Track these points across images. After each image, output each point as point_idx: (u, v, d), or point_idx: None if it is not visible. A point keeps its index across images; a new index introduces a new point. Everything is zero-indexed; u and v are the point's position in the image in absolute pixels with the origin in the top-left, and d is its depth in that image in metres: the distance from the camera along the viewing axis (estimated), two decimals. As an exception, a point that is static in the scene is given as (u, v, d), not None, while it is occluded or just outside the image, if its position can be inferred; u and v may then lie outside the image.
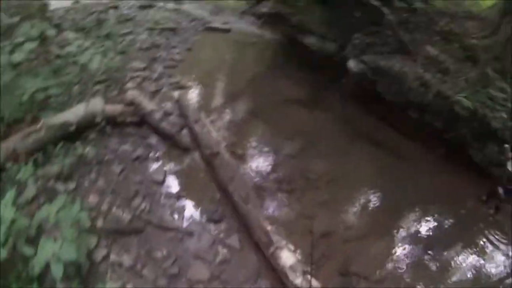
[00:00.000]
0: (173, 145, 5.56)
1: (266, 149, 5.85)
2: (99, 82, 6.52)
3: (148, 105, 5.87)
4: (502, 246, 4.94)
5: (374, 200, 5.35)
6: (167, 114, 6.16)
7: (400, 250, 4.56)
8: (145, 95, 6.36)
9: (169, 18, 10.03)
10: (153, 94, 6.76)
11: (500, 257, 4.77)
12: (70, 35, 6.95)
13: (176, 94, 6.75)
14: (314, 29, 7.78)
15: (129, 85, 6.82)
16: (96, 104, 5.36)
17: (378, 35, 7.10)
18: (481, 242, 4.94)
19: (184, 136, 5.71)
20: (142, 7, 10.62)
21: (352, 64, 6.94)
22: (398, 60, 6.73)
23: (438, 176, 5.98)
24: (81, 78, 6.19)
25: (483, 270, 4.56)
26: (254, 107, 6.96)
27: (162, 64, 7.70)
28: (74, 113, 5.13)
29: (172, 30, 9.26)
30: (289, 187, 5.09)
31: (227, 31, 9.52)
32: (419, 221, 5.13)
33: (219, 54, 8.59)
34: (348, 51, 7.26)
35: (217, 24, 9.80)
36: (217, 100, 6.93)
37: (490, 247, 4.88)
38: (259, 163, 5.57)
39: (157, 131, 5.66)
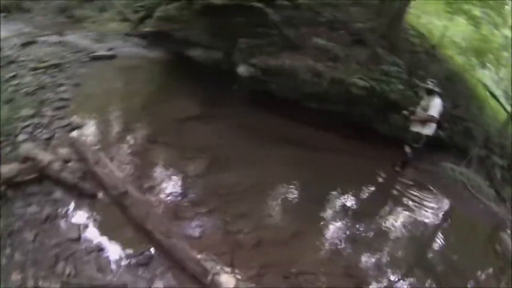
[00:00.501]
0: (80, 195, 4.93)
1: (174, 174, 5.35)
2: None
3: (45, 156, 5.15)
4: (425, 202, 5.74)
5: (296, 196, 5.24)
6: (65, 161, 5.47)
7: (335, 235, 4.58)
8: (39, 145, 5.66)
9: (53, 53, 9.24)
10: (47, 142, 5.97)
11: (426, 210, 5.53)
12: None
13: (71, 137, 6.13)
14: (199, 41, 7.45)
15: (21, 137, 6.08)
16: (-11, 169, 4.65)
17: (263, 36, 6.91)
18: (406, 203, 5.56)
19: (88, 182, 5.10)
20: (25, 45, 9.76)
21: (241, 69, 6.68)
22: (287, 56, 6.65)
23: (352, 157, 6.26)
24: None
25: (416, 224, 5.14)
26: (153, 131, 6.41)
27: (51, 106, 6.94)
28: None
29: (57, 66, 8.53)
30: (207, 208, 4.68)
31: (112, 57, 9.02)
32: (344, 202, 5.27)
33: (109, 83, 7.98)
34: (235, 57, 7.00)
35: (101, 52, 9.23)
36: (114, 133, 6.30)
37: (415, 204, 5.57)
38: (170, 190, 5.08)
39: (60, 183, 5.02)
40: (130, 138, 6.19)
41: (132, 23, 10.38)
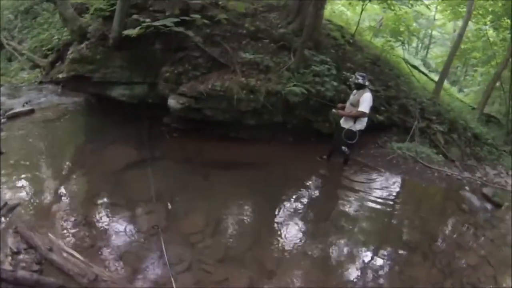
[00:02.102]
0: None
1: (134, 237, 4.57)
2: None
3: None
4: (377, 184, 6.12)
5: (244, 218, 4.95)
6: (15, 254, 4.52)
7: (298, 236, 4.57)
8: None
9: None
10: None
11: (381, 190, 5.91)
12: None
13: (11, 221, 5.08)
14: (119, 79, 6.67)
15: None
16: None
17: (186, 61, 6.34)
18: (360, 190, 5.79)
19: (50, 274, 4.22)
20: None
21: (171, 102, 6.03)
22: (216, 77, 6.11)
23: (297, 162, 6.25)
24: None
25: (375, 205, 5.40)
26: (95, 190, 5.62)
27: None
28: None
29: None
30: (186, 265, 4.07)
31: (30, 112, 7.99)
32: (298, 206, 5.23)
33: (34, 144, 6.90)
34: (161, 88, 6.38)
35: (18, 108, 8.15)
36: (53, 203, 5.36)
37: (368, 189, 5.86)
38: (138, 257, 4.33)
39: (17, 283, 4.10)
40: (72, 205, 5.27)
41: (43, 69, 9.32)
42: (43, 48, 10.14)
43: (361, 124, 5.79)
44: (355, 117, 5.71)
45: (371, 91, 5.92)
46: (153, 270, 4.03)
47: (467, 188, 6.66)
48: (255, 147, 6.48)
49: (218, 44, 6.52)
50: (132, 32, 6.11)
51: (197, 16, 6.39)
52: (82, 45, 7.05)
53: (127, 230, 4.67)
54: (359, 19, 9.76)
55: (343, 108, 5.94)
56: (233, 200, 5.28)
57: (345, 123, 5.86)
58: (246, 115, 6.19)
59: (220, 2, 7.19)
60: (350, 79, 6.22)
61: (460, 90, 14.85)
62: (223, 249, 4.31)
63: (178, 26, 6.19)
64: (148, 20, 6.28)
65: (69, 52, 7.36)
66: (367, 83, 5.80)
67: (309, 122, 6.83)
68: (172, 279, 3.77)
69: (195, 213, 4.95)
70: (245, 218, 4.94)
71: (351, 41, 8.91)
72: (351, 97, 5.91)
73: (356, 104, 5.68)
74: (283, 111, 6.47)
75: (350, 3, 10.64)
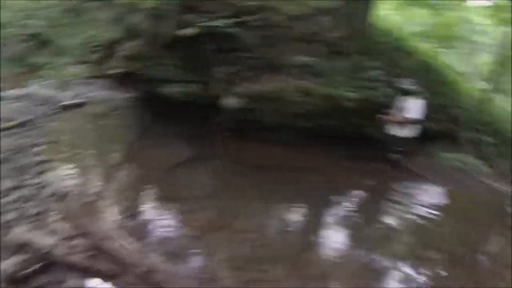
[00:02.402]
0: (97, 276, 4.11)
1: (184, 233, 4.54)
2: None
3: (44, 240, 4.24)
4: (424, 193, 5.89)
5: (296, 221, 4.97)
6: (68, 239, 4.57)
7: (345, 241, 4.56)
8: (32, 225, 4.72)
9: (18, 109, 8.21)
10: (40, 218, 5.00)
11: (428, 201, 5.62)
12: None
13: (62, 207, 5.19)
14: (171, 77, 6.71)
15: (9, 216, 5.06)
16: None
17: (239, 61, 6.30)
18: (407, 200, 5.56)
19: (102, 261, 4.25)
20: None
21: (228, 101, 6.02)
22: (269, 79, 6.07)
23: (344, 169, 6.10)
24: None
25: (422, 215, 5.14)
26: (146, 185, 5.52)
27: (32, 172, 5.90)
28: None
29: (27, 123, 7.59)
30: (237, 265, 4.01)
31: (81, 105, 8.15)
32: (336, 210, 5.19)
33: (85, 135, 7.09)
34: (214, 88, 6.37)
35: (69, 100, 8.35)
36: (105, 194, 5.43)
37: (416, 198, 5.67)
38: (189, 253, 4.28)
39: (70, 267, 4.16)
40: (127, 200, 5.32)
41: (92, 65, 9.46)
42: (90, 45, 10.31)
43: (410, 131, 5.59)
44: (403, 124, 5.54)
45: (420, 97, 5.70)
46: (205, 266, 4.01)
47: (513, 204, 6.39)
48: (306, 151, 6.38)
49: (271, 45, 6.43)
50: (187, 32, 6.12)
51: (250, 17, 6.34)
52: (135, 43, 7.12)
53: (178, 225, 4.71)
54: (407, 24, 9.47)
55: (391, 114, 5.77)
56: (285, 203, 5.22)
57: (393, 130, 5.72)
58: (299, 118, 6.10)
59: (272, 5, 7.10)
60: (399, 85, 6.01)
61: (505, 99, 14.28)
62: (277, 249, 4.27)
63: (232, 27, 6.17)
64: (201, 20, 6.30)
65: (121, 49, 7.46)
66: (416, 89, 5.60)
67: (361, 128, 6.66)
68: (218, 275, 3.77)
69: (248, 213, 4.92)
70: (297, 221, 4.92)
71: (398, 47, 8.64)
72: (400, 103, 5.71)
73: (404, 111, 5.52)
74: (336, 116, 6.32)
75: (397, 8, 10.39)
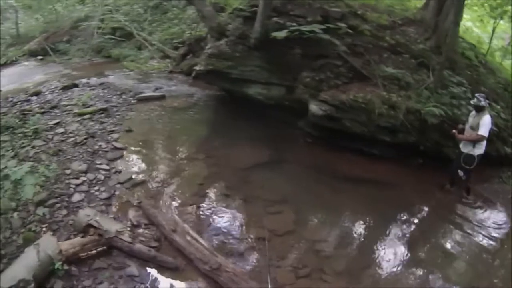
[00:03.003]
0: (159, 267, 4.22)
1: (259, 234, 4.56)
2: (40, 204, 5.12)
3: (110, 225, 4.39)
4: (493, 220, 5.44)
5: (365, 235, 4.88)
6: (135, 228, 4.78)
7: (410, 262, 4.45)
8: (99, 208, 4.95)
9: (96, 96, 8.46)
10: (108, 203, 5.22)
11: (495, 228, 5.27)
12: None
13: (135, 195, 5.39)
14: (257, 78, 6.84)
15: (76, 197, 5.33)
16: (49, 246, 3.90)
17: (327, 68, 6.27)
18: (474, 225, 5.25)
19: (167, 253, 4.39)
20: (65, 88, 9.06)
21: (314, 108, 5.98)
22: (357, 88, 5.98)
23: (417, 187, 5.88)
24: (17, 204, 4.80)
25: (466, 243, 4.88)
26: (222, 184, 5.52)
27: (105, 158, 6.17)
28: (25, 266, 3.70)
29: (104, 111, 7.93)
30: (307, 270, 4.14)
31: (161, 98, 8.37)
32: (405, 228, 5.10)
33: (162, 128, 7.25)
34: (300, 93, 6.36)
35: (148, 92, 8.55)
36: (180, 189, 5.44)
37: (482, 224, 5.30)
38: (262, 255, 4.28)
39: (133, 255, 4.34)
40: (199, 194, 5.40)
41: (174, 60, 9.81)
42: (174, 41, 10.72)
43: (481, 149, 5.36)
44: (474, 141, 5.31)
45: (490, 114, 5.44)
46: (275, 272, 4.02)
47: None
48: (384, 165, 6.19)
49: (360, 54, 6.38)
50: (280, 34, 6.18)
51: (342, 24, 6.31)
52: (221, 42, 7.31)
53: (248, 225, 4.74)
54: (491, 38, 8.99)
55: (462, 131, 5.52)
56: (356, 215, 5.18)
57: (464, 148, 5.47)
58: (383, 131, 5.97)
59: (359, 12, 7.03)
60: (471, 101, 5.67)
61: None
62: (343, 262, 4.27)
63: (322, 33, 6.15)
64: (292, 24, 6.34)
65: (207, 47, 7.67)
66: (486, 105, 5.34)
67: (441, 146, 6.37)
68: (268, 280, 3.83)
69: (320, 222, 4.93)
70: (365, 235, 4.84)
71: (483, 62, 8.23)
72: (470, 119, 5.45)
73: (476, 127, 5.27)
74: (418, 132, 6.13)
75: (481, 19, 9.86)
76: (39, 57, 12.86)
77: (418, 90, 6.18)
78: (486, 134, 5.25)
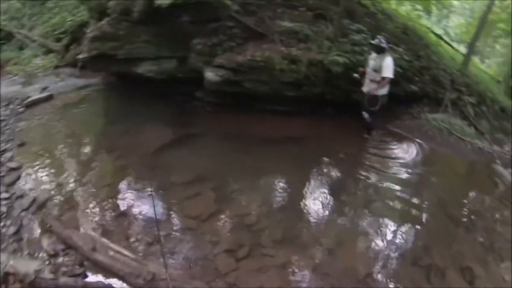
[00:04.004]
0: None
1: (185, 224, 3.92)
2: None
3: (27, 265, 3.50)
4: (408, 155, 5.56)
5: (294, 195, 4.47)
6: (53, 258, 3.82)
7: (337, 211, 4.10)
8: (11, 248, 3.93)
9: None
10: (18, 238, 4.15)
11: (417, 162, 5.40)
12: None
13: (43, 219, 4.38)
14: (146, 54, 6.05)
15: None
16: None
17: (220, 31, 5.63)
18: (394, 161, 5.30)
19: (96, 275, 3.56)
20: None
21: (210, 75, 5.35)
22: (254, 48, 5.44)
23: (332, 137, 5.69)
24: None
25: (411, 178, 4.95)
26: (132, 176, 4.78)
27: (3, 183, 5.12)
28: None
29: None
30: (245, 252, 3.58)
31: (49, 98, 7.27)
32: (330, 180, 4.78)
33: (57, 130, 6.24)
34: (193, 62, 5.71)
35: (36, 95, 7.46)
36: (89, 195, 4.66)
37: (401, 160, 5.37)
38: (195, 247, 3.65)
39: None
40: (109, 197, 4.56)
41: (58, 53, 8.57)
42: (56, 32, 9.37)
43: (384, 90, 5.28)
44: (379, 82, 5.21)
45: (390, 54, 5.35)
46: (211, 261, 3.46)
47: (498, 161, 6.21)
48: (294, 120, 5.85)
49: (253, 13, 5.80)
50: (164, 2, 5.39)
51: (227, -18, 5.66)
52: (103, 22, 6.34)
53: (175, 218, 4.05)
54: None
55: (363, 73, 5.39)
56: (281, 177, 4.75)
57: (366, 89, 5.38)
58: (286, 86, 5.54)
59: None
60: (373, 41, 5.42)
61: (482, 62, 14.10)
62: (279, 230, 3.79)
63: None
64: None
65: (88, 31, 6.66)
66: (387, 47, 5.26)
67: (349, 93, 6.11)
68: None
69: (245, 193, 4.36)
70: (294, 195, 4.43)
71: (380, 9, 8.17)
72: (371, 62, 5.31)
73: (379, 70, 5.15)
74: (324, 83, 5.79)
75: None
76: None
77: (318, 42, 5.80)
78: (391, 75, 5.14)
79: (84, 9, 7.26)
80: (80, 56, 6.51)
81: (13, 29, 10.30)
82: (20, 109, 7.19)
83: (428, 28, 10.40)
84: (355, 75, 5.41)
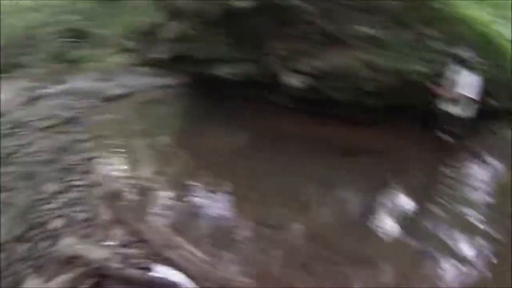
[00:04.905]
0: None
1: (264, 234, 3.86)
2: (20, 240, 4.16)
3: (95, 253, 3.62)
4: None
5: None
6: (123, 249, 3.94)
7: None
8: (79, 234, 4.09)
9: (62, 105, 7.62)
10: (89, 225, 4.31)
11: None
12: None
13: (114, 210, 4.51)
14: (223, 56, 6.08)
15: (54, 224, 4.40)
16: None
17: (297, 35, 5.51)
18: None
19: (163, 270, 3.64)
20: (30, 102, 8.13)
21: (289, 79, 5.28)
22: (333, 54, 5.28)
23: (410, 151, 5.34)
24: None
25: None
26: (207, 178, 4.82)
27: (78, 172, 5.23)
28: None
29: (71, 120, 7.00)
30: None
31: (127, 95, 7.58)
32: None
33: (133, 126, 6.45)
34: (271, 65, 5.66)
35: (114, 90, 7.79)
36: (163, 193, 4.62)
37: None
38: (276, 257, 3.59)
39: (130, 283, 3.56)
40: (184, 193, 4.62)
41: (133, 52, 8.88)
42: (131, 32, 9.75)
43: (463, 110, 4.98)
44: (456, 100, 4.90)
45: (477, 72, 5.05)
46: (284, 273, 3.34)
47: None
48: (370, 131, 5.61)
49: (331, 17, 5.62)
50: (242, 4, 5.38)
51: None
52: (179, 23, 6.45)
53: (250, 224, 3.96)
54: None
55: (440, 89, 5.05)
56: (356, 191, 4.57)
57: (445, 107, 5.07)
58: (367, 95, 5.31)
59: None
60: (453, 51, 5.18)
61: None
62: (357, 247, 3.61)
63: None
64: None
65: (164, 31, 6.81)
66: (468, 58, 5.02)
67: (429, 105, 5.68)
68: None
69: (326, 206, 4.23)
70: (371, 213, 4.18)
71: (459, 16, 7.66)
72: (454, 76, 4.96)
73: (459, 86, 4.86)
74: (403, 92, 5.49)
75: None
76: (5, 76, 11.53)
77: (397, 48, 5.50)
78: (469, 94, 4.86)
79: (156, 8, 7.42)
80: (158, 56, 6.67)
81: (89, 28, 10.85)
82: (98, 103, 7.57)
83: (504, 36, 9.65)
84: (431, 89, 5.09)
